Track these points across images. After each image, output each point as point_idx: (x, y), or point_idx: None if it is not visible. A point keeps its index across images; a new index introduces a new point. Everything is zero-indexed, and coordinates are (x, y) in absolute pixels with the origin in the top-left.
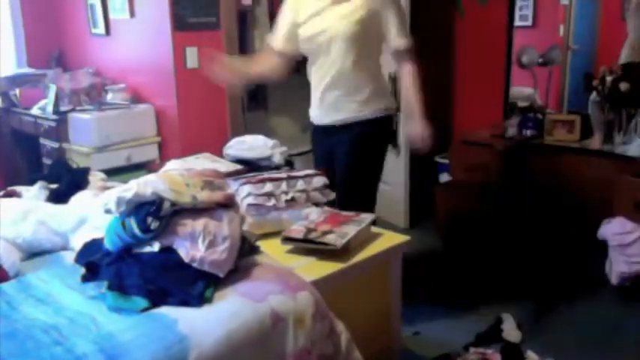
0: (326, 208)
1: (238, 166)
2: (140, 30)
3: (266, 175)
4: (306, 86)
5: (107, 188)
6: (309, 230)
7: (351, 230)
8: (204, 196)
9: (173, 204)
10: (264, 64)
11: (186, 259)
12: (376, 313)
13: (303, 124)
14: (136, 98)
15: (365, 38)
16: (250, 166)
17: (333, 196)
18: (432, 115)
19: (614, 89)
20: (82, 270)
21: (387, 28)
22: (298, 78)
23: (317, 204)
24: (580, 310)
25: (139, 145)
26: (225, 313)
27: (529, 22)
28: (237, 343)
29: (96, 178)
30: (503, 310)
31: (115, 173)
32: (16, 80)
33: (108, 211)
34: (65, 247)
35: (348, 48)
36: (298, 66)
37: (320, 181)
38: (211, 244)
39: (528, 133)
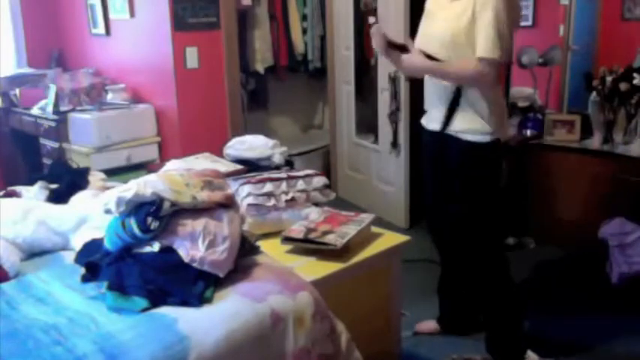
0: (326, 208)
1: (238, 166)
2: (140, 30)
3: (266, 175)
4: (306, 86)
5: (107, 188)
6: (309, 230)
7: (351, 230)
8: (204, 196)
9: (173, 204)
10: None
11: (186, 259)
12: (376, 313)
13: (303, 124)
14: (136, 98)
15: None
16: (250, 166)
17: (333, 196)
18: None
19: (614, 89)
20: (82, 270)
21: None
22: (298, 78)
23: (317, 204)
24: (580, 310)
25: (139, 145)
26: (226, 313)
27: (529, 22)
28: (237, 343)
29: (96, 178)
30: None
31: (115, 173)
32: (16, 80)
33: (108, 211)
34: (65, 247)
35: None
36: (297, 66)
37: (320, 181)
38: (211, 244)
39: (528, 133)
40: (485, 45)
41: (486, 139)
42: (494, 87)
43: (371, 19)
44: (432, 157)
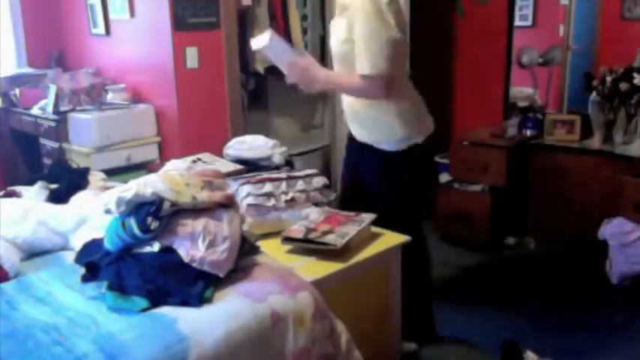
0: (326, 208)
1: (238, 166)
2: (140, 30)
3: (266, 175)
4: None
5: (107, 188)
6: (309, 230)
7: (351, 230)
8: (204, 196)
9: (173, 204)
10: None
11: (186, 259)
12: (376, 313)
13: (303, 124)
14: (136, 98)
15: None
16: (250, 166)
17: (333, 196)
18: (432, 115)
19: (614, 89)
20: (82, 270)
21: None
22: None
23: (317, 204)
24: (580, 310)
25: (139, 145)
26: (226, 313)
27: (529, 22)
28: (237, 343)
29: (96, 178)
30: (503, 310)
31: (115, 173)
32: (16, 80)
33: (108, 211)
34: (65, 247)
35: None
36: None
37: (320, 181)
38: (211, 244)
39: (528, 133)
40: (364, 62)
41: (395, 147)
42: (391, 97)
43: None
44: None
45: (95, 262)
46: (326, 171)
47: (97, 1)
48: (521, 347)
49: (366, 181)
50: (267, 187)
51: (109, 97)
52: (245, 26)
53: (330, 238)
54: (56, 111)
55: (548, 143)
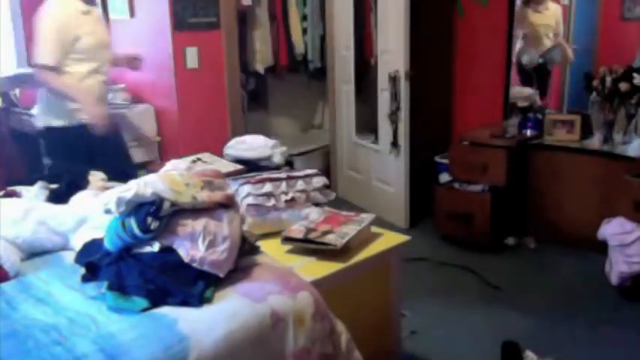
0: (326, 208)
1: (238, 166)
2: (140, 30)
3: (266, 175)
4: (306, 86)
5: (107, 188)
6: (309, 230)
7: (351, 230)
8: (204, 196)
9: (173, 204)
10: None
11: (186, 259)
12: (376, 313)
13: (303, 124)
14: (136, 98)
15: None
16: (250, 166)
17: (333, 196)
18: (432, 115)
19: (614, 89)
20: (82, 270)
21: None
22: (298, 78)
23: (317, 204)
24: (579, 310)
25: (139, 145)
26: (225, 313)
27: None
28: (237, 343)
29: (96, 178)
30: (503, 310)
31: None
32: (16, 80)
33: (108, 211)
34: (65, 247)
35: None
36: (297, 66)
37: (320, 181)
38: (211, 244)
39: (528, 133)
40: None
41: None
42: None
43: None
44: None
45: (95, 262)
46: (326, 171)
47: (97, 1)
48: (521, 347)
49: None
50: (267, 187)
51: (109, 97)
52: (245, 26)
53: (330, 238)
54: None
55: (548, 143)
